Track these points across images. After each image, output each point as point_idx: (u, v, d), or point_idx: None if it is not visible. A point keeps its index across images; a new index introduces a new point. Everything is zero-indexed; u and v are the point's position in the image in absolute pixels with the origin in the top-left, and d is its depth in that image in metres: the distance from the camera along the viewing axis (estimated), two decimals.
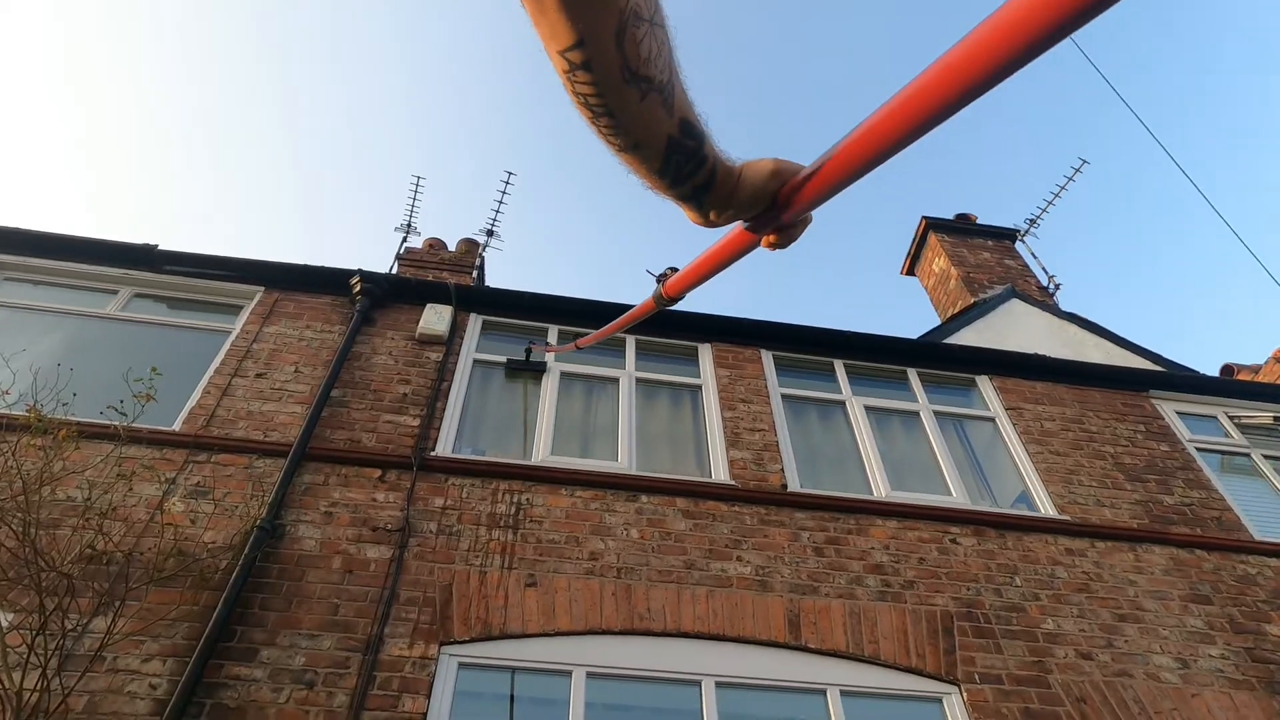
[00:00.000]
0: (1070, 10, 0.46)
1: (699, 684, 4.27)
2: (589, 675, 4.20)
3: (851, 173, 0.71)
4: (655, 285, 2.06)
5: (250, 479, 4.86)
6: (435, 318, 6.06)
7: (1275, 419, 6.81)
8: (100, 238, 6.46)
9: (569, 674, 4.19)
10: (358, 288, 6.16)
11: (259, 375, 5.56)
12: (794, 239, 0.91)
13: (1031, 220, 9.04)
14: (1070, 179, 8.76)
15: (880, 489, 5.57)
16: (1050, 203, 8.88)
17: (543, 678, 4.21)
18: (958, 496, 5.63)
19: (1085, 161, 8.66)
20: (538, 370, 5.98)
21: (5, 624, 3.70)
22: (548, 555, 4.70)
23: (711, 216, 0.81)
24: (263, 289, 6.28)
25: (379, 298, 6.21)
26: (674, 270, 2.15)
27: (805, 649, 4.48)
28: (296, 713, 3.82)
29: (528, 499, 5.00)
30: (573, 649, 4.29)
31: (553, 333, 6.34)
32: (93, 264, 6.30)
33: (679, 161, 0.70)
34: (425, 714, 3.89)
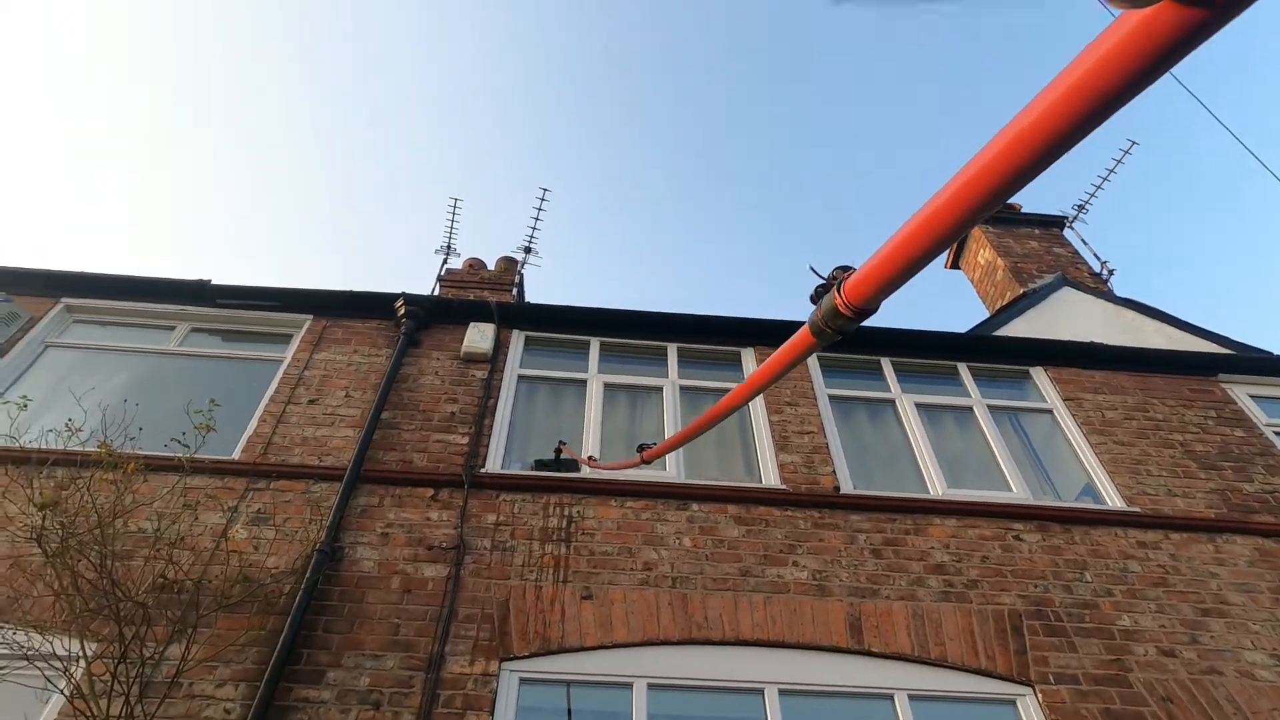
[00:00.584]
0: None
1: (762, 692, 4.20)
2: (650, 686, 4.17)
3: None
4: (826, 295, 1.56)
5: (308, 503, 4.96)
6: (479, 336, 6.13)
7: None
8: (158, 276, 6.70)
9: (630, 686, 4.16)
10: (402, 311, 6.27)
11: (311, 401, 5.69)
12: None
13: (1080, 206, 8.78)
14: (1119, 161, 8.48)
15: (937, 487, 5.44)
16: (1099, 186, 8.62)
17: (603, 690, 4.19)
18: (1018, 491, 5.47)
19: (1134, 142, 8.40)
20: (570, 468, 5.41)
21: (90, 653, 3.83)
22: (601, 567, 4.69)
23: None
24: (311, 317, 6.43)
25: (423, 319, 6.31)
26: (847, 270, 1.58)
27: (869, 653, 4.39)
28: None
29: (579, 511, 5.01)
30: (632, 661, 4.27)
31: (594, 345, 6.36)
32: (152, 302, 6.54)
33: None
34: None
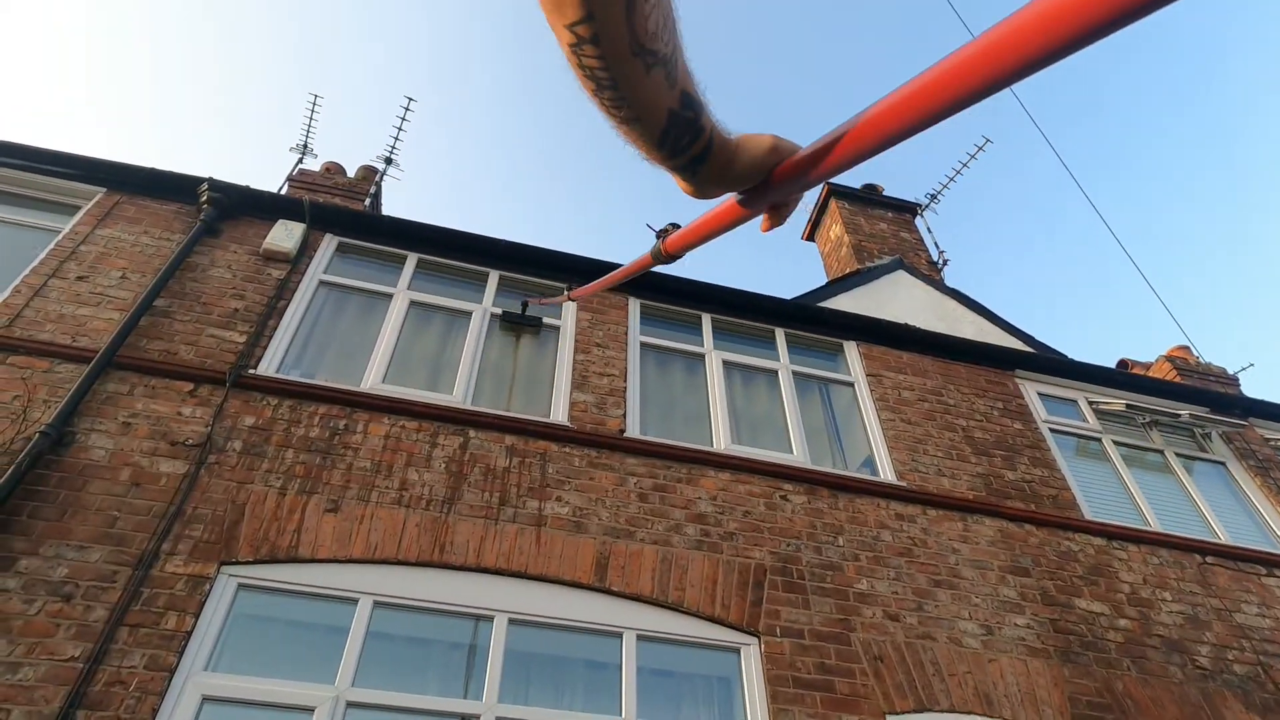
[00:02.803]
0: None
1: (492, 619, 4.19)
2: (376, 604, 4.09)
3: (850, 158, 0.72)
4: (655, 241, 2.11)
5: (47, 383, 4.58)
6: (284, 234, 5.78)
7: (1127, 406, 6.94)
8: None
9: (355, 601, 4.07)
10: (205, 196, 5.84)
11: (80, 278, 5.24)
12: (786, 217, 0.93)
13: (932, 195, 9.03)
14: (973, 156, 8.75)
15: (720, 441, 5.52)
16: (952, 179, 8.88)
17: (326, 604, 4.08)
18: (798, 455, 5.62)
19: (988, 140, 8.65)
20: (533, 325, 5.96)
21: None
22: (355, 483, 4.55)
23: (706, 188, 0.81)
24: (104, 191, 5.91)
25: (227, 209, 5.89)
26: (675, 227, 2.20)
27: (609, 591, 4.43)
28: (46, 625, 3.63)
29: (346, 425, 4.82)
30: (363, 577, 4.17)
31: (411, 261, 6.11)
32: None
33: (677, 133, 0.70)
34: (190, 632, 3.74)
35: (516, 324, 5.98)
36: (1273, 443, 7.48)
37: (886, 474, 5.72)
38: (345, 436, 4.77)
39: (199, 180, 5.95)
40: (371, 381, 5.13)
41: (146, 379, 4.74)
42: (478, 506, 4.62)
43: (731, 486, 5.20)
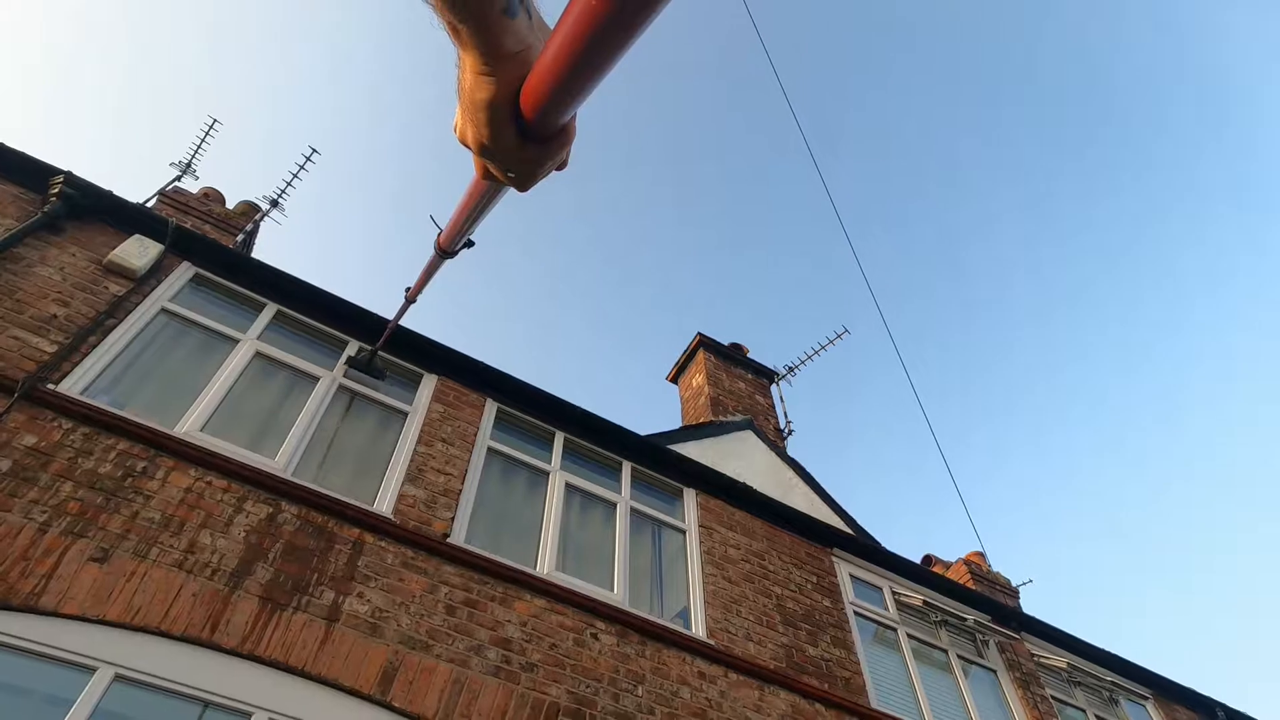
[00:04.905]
0: None
1: (250, 716, 3.76)
2: (117, 677, 3.59)
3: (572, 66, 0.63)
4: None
5: None
6: (137, 250, 5.37)
7: (925, 602, 7.44)
8: None
9: (92, 670, 3.55)
10: (57, 189, 5.37)
11: None
12: (532, 174, 0.80)
13: (790, 368, 9.74)
14: (831, 342, 9.60)
15: (545, 565, 5.41)
16: (810, 357, 9.66)
17: (56, 669, 3.53)
18: (618, 593, 5.58)
19: (846, 330, 9.56)
20: (379, 376, 5.91)
21: None
22: (136, 534, 4.07)
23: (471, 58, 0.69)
24: None
25: (80, 208, 5.44)
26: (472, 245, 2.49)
27: (389, 706, 4.11)
28: None
29: (145, 468, 4.37)
30: (113, 644, 3.66)
31: (269, 310, 5.80)
32: None
33: None
34: None
35: (361, 370, 5.80)
36: (1037, 658, 8.17)
37: (699, 629, 5.76)
38: (140, 480, 4.30)
39: (55, 170, 5.49)
40: (188, 427, 4.71)
41: None
42: (268, 587, 4.23)
43: (544, 614, 5.06)
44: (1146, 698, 8.55)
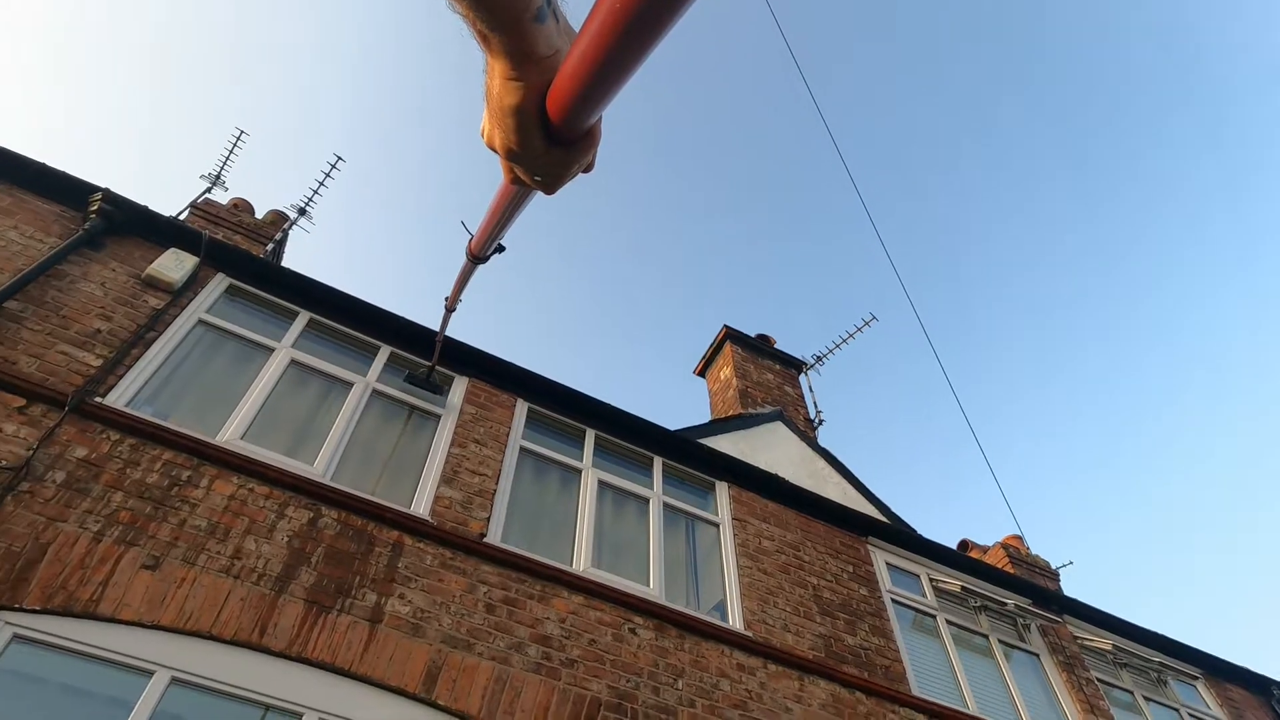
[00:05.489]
0: None
1: (301, 716, 3.86)
2: (174, 680, 3.70)
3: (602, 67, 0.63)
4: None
5: None
6: (173, 263, 5.50)
7: (964, 588, 7.38)
8: None
9: (150, 674, 3.67)
10: (96, 206, 5.52)
11: None
12: (559, 177, 0.81)
13: (818, 357, 9.69)
14: (859, 329, 9.53)
15: (580, 562, 5.46)
16: (838, 345, 9.60)
17: (117, 673, 3.66)
18: (654, 588, 5.61)
19: (875, 317, 9.48)
20: (436, 389, 6.01)
21: None
22: (185, 541, 4.19)
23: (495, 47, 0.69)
24: None
25: (118, 224, 5.58)
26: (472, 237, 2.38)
27: (434, 705, 4.19)
28: None
29: (190, 477, 4.48)
30: (168, 648, 3.78)
31: (302, 318, 5.91)
32: None
33: None
34: None
35: (419, 385, 5.93)
36: (1080, 640, 8.07)
37: (736, 621, 5.77)
38: (186, 489, 4.42)
39: (93, 188, 5.63)
40: (229, 435, 4.82)
41: None
42: (313, 590, 4.33)
43: (583, 611, 5.11)
44: (1196, 678, 8.40)
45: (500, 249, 2.52)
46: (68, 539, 3.91)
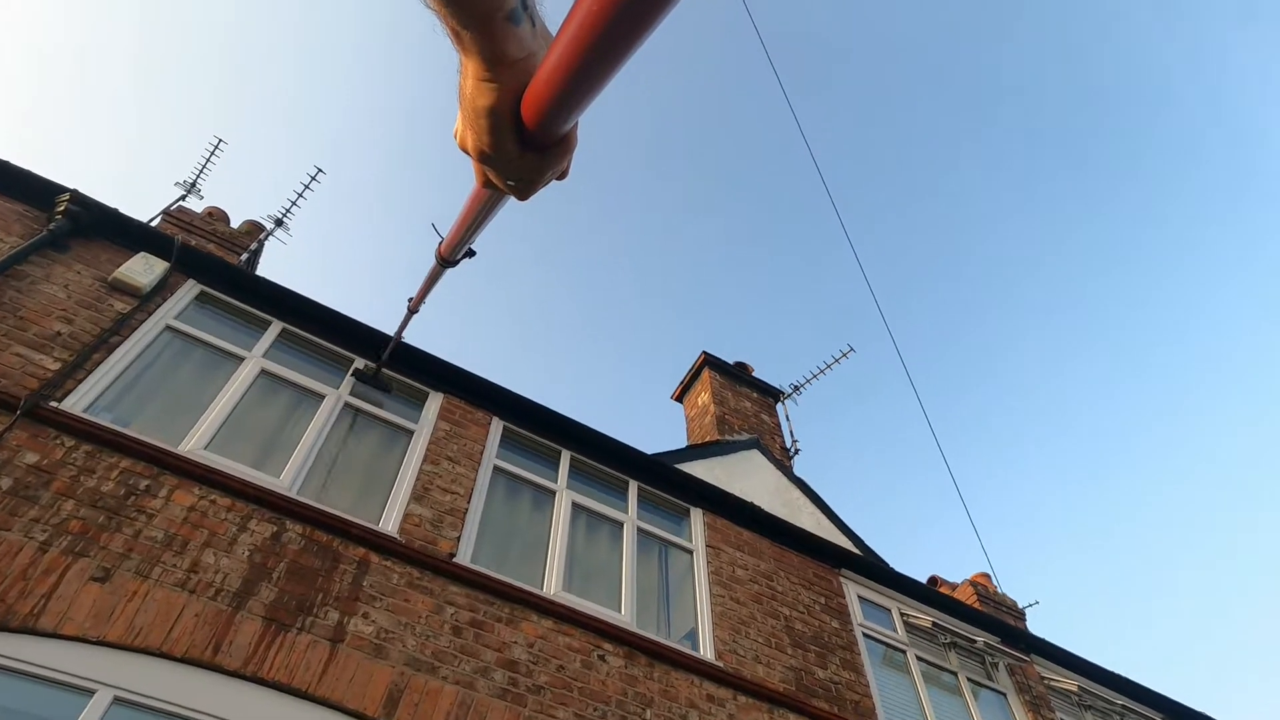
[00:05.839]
0: None
1: None
2: (116, 700, 3.51)
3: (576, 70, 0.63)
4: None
5: None
6: (142, 268, 5.35)
7: (934, 624, 7.34)
8: None
9: (91, 693, 3.47)
10: (63, 206, 5.36)
11: None
12: (533, 183, 0.80)
13: (796, 386, 9.71)
14: (837, 360, 9.58)
15: (551, 585, 5.33)
16: (815, 375, 9.63)
17: (54, 692, 3.45)
18: (625, 615, 5.49)
19: (851, 349, 9.54)
20: (384, 389, 5.92)
21: None
22: (139, 553, 4.00)
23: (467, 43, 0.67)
24: None
25: (85, 226, 5.42)
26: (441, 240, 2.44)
27: None
28: None
29: (148, 486, 4.31)
30: (113, 666, 3.59)
31: (274, 328, 5.77)
32: None
33: None
34: None
35: (367, 383, 5.82)
36: (1047, 681, 8.04)
37: (707, 650, 5.66)
38: (143, 499, 4.24)
39: (60, 188, 5.48)
40: (192, 445, 4.66)
41: None
42: (272, 607, 4.16)
43: (552, 636, 4.97)
44: None
45: (470, 253, 2.50)
46: (10, 548, 3.72)
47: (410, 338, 5.17)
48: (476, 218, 1.51)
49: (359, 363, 5.94)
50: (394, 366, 6.02)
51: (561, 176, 0.82)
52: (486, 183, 0.83)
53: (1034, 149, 37.42)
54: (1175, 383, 38.13)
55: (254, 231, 9.08)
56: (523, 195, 0.83)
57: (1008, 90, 36.85)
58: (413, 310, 4.49)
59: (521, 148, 0.74)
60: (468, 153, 0.78)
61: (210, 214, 8.90)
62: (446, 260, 2.57)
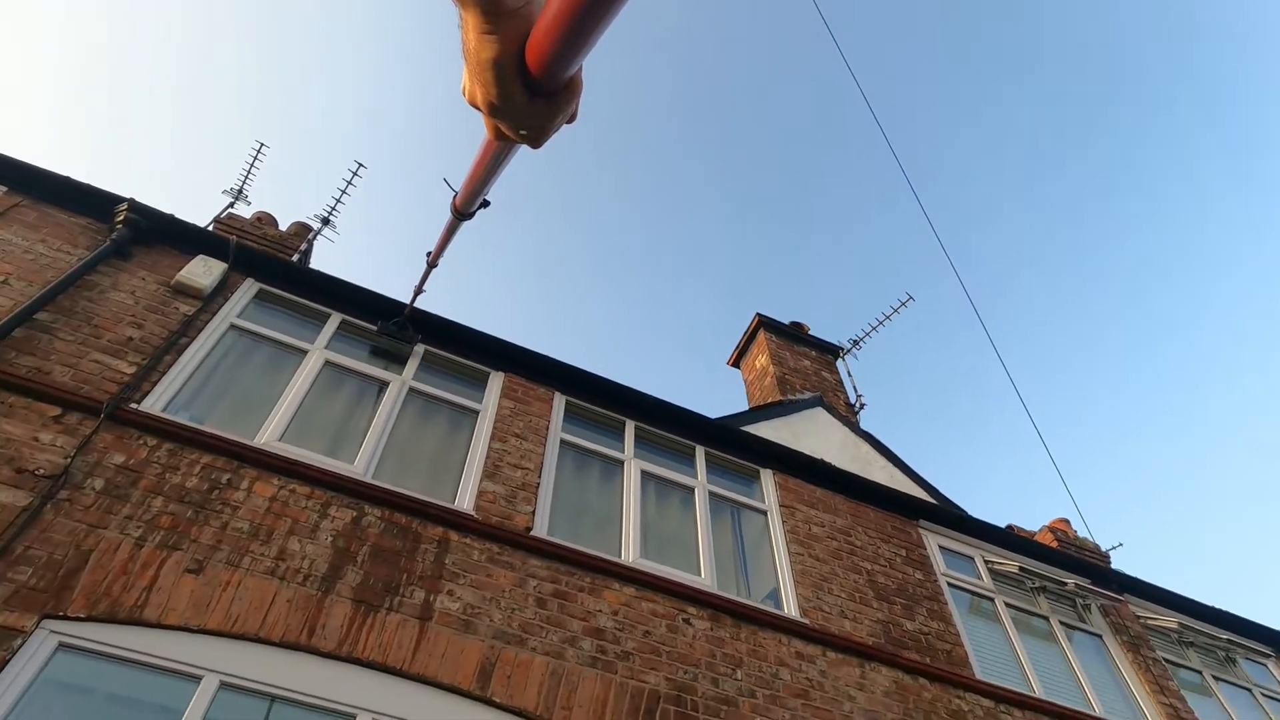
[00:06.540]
0: None
1: (354, 718, 3.72)
2: (222, 685, 3.58)
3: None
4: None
5: None
6: (202, 270, 5.43)
7: (1020, 569, 7.12)
8: None
9: (198, 679, 3.55)
10: (122, 216, 5.47)
11: None
12: (543, 130, 0.80)
13: (855, 341, 9.47)
14: (895, 310, 9.29)
15: (629, 553, 5.29)
16: (874, 328, 9.37)
17: (164, 679, 3.54)
18: (705, 578, 5.43)
19: (911, 298, 9.24)
20: (401, 340, 5.84)
21: None
22: (228, 544, 4.07)
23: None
24: (4, 189, 5.46)
25: (144, 234, 5.52)
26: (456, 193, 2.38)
27: (489, 702, 4.03)
28: None
29: (230, 479, 4.38)
30: (215, 652, 3.66)
31: (334, 320, 5.82)
32: None
33: None
34: None
35: (394, 339, 5.80)
36: (1143, 620, 7.77)
37: (791, 609, 5.58)
38: (226, 492, 4.31)
39: (118, 199, 5.59)
40: (267, 437, 4.72)
41: (4, 395, 4.21)
42: (360, 589, 4.20)
43: (635, 603, 4.94)
44: (1269, 656, 8.06)
45: (485, 204, 2.51)
46: (109, 545, 3.81)
47: (471, 321, 5.15)
48: (489, 169, 1.52)
49: (419, 350, 5.95)
50: (452, 348, 6.03)
51: (571, 120, 0.82)
52: (498, 134, 0.83)
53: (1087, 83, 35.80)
54: (1246, 309, 36.29)
55: (302, 232, 9.18)
56: (535, 143, 0.83)
57: (1054, 47, 35.29)
58: (432, 264, 4.62)
59: (529, 96, 0.74)
60: (477, 107, 0.78)
61: (259, 219, 9.02)
62: (462, 213, 2.59)
